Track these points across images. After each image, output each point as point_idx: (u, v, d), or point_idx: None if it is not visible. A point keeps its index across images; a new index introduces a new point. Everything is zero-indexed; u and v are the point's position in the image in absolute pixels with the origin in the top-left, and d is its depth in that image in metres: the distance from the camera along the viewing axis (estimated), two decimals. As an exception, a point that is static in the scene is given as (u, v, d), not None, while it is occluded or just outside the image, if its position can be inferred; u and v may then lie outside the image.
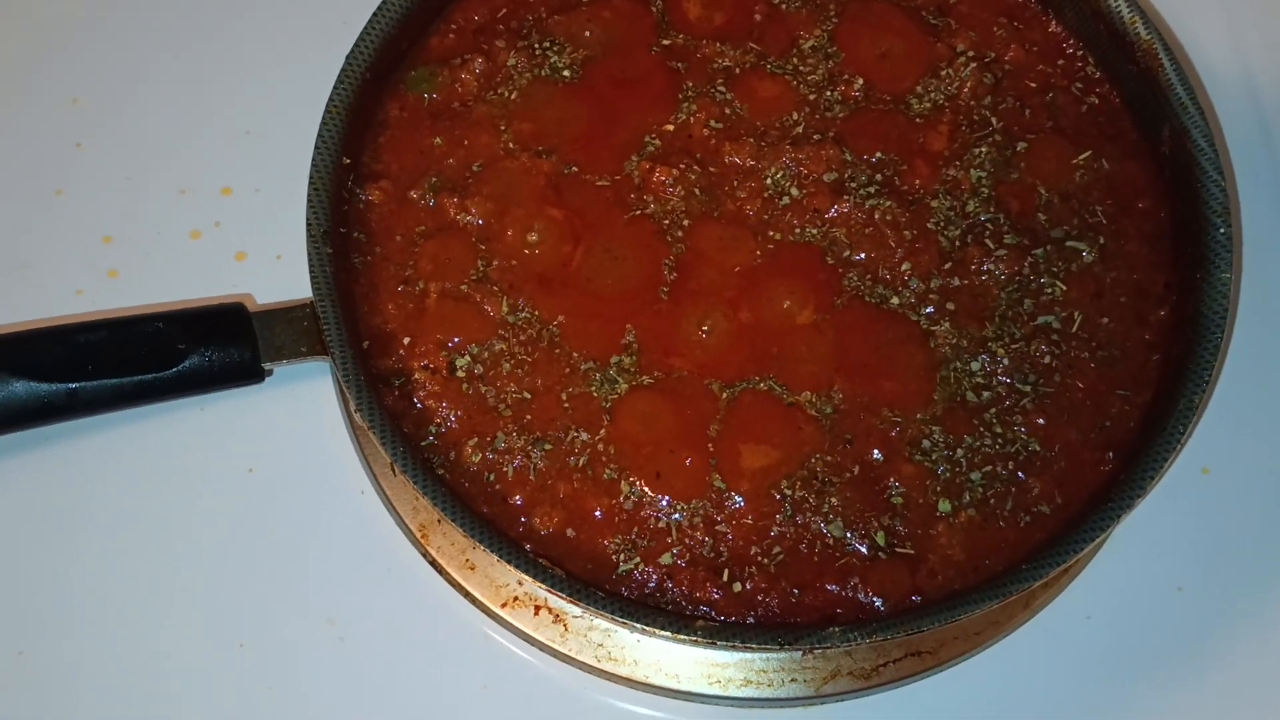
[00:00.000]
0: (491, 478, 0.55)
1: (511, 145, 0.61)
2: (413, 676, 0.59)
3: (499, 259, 0.59)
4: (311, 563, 0.61)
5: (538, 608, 0.59)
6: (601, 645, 0.58)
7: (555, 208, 0.60)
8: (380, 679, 0.59)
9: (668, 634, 0.50)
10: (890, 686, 0.58)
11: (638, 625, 0.51)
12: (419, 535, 0.60)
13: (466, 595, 0.60)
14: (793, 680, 0.58)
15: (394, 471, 0.55)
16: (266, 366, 0.54)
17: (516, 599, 0.60)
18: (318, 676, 0.59)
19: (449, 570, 0.60)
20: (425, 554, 0.60)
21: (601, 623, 0.58)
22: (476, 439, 0.56)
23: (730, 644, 0.52)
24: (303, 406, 0.64)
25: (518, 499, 0.55)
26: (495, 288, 0.59)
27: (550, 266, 0.59)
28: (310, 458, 0.63)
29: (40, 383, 0.49)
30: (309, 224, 0.57)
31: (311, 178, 0.58)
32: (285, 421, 0.63)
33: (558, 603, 0.59)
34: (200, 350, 0.52)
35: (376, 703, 0.59)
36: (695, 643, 0.51)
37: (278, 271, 0.66)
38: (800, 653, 0.57)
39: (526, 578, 0.53)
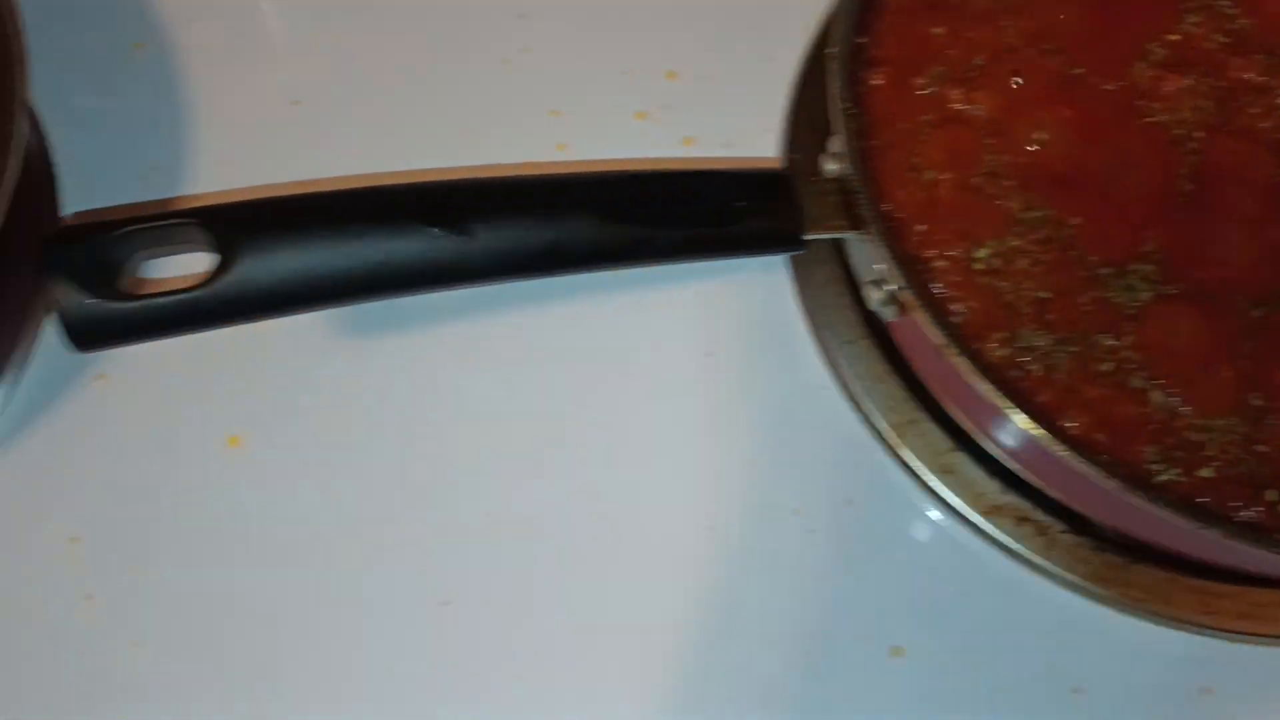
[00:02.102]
0: (1016, 375, 0.53)
1: (1015, 42, 0.59)
2: (880, 573, 0.57)
3: (1008, 155, 0.57)
4: (774, 453, 0.59)
5: (1020, 518, 0.57)
6: (1088, 563, 0.56)
7: (1065, 107, 0.58)
8: (849, 574, 0.57)
9: (1249, 543, 0.47)
10: None
11: (1219, 531, 0.48)
12: (891, 435, 0.59)
13: (938, 500, 0.58)
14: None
15: (946, 354, 0.53)
16: (808, 236, 0.52)
17: (998, 508, 0.57)
18: (786, 566, 0.58)
19: (922, 473, 0.58)
20: (894, 454, 0.59)
21: (1089, 539, 0.56)
22: (1001, 334, 0.54)
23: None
24: (760, 296, 0.62)
25: (1044, 399, 0.53)
26: (1007, 183, 0.57)
27: (1062, 166, 0.57)
28: (769, 348, 0.61)
29: (616, 224, 0.48)
30: (838, 97, 0.55)
31: (838, 53, 0.56)
32: (743, 309, 0.62)
33: (1042, 515, 0.57)
34: (756, 212, 0.50)
35: (846, 596, 0.57)
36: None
37: (726, 159, 0.65)
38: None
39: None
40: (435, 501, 0.57)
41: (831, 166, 0.56)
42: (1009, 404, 0.50)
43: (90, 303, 0.43)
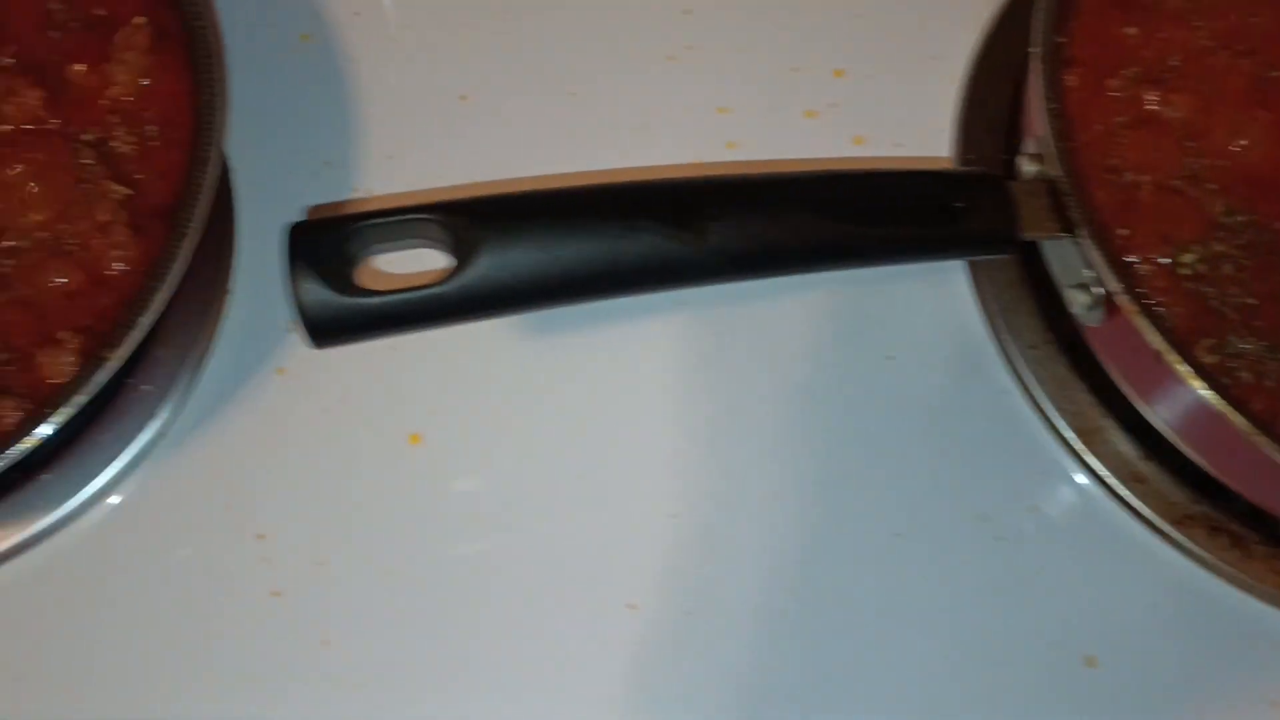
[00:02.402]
0: (1226, 382, 0.52)
1: (1208, 43, 0.58)
2: (1069, 581, 0.56)
3: (1209, 157, 0.56)
4: (957, 458, 0.58)
5: (1213, 528, 0.56)
6: (1288, 574, 0.55)
7: (1262, 109, 0.57)
8: (1038, 582, 0.56)
9: None
10: None
11: None
12: (1077, 442, 0.58)
13: (1128, 508, 0.57)
14: None
15: (1164, 360, 0.52)
16: (1023, 238, 0.51)
17: (1190, 517, 0.56)
18: (974, 573, 0.57)
19: (1110, 481, 0.57)
20: (1081, 462, 0.58)
21: (1289, 551, 0.55)
22: (1209, 340, 0.53)
23: None
24: (940, 299, 0.61)
25: (1258, 405, 0.52)
26: (1209, 186, 0.56)
27: (1263, 170, 0.56)
28: (949, 352, 0.60)
29: (839, 223, 0.47)
30: (1044, 97, 0.54)
31: (1040, 52, 0.55)
32: (923, 313, 0.61)
33: (1238, 526, 0.56)
34: (972, 213, 0.49)
35: (1036, 604, 0.56)
36: None
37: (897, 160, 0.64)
38: None
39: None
40: (616, 501, 0.57)
41: (1030, 168, 0.55)
42: (1232, 410, 0.49)
43: (332, 297, 0.43)
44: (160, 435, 0.56)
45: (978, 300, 0.60)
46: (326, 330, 0.44)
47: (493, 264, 0.43)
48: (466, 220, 0.44)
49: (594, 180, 0.49)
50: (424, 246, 0.46)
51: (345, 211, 0.45)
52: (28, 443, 0.46)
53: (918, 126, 0.64)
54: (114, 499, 0.56)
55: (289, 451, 0.57)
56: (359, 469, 0.57)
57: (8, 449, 0.46)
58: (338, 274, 0.43)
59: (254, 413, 0.57)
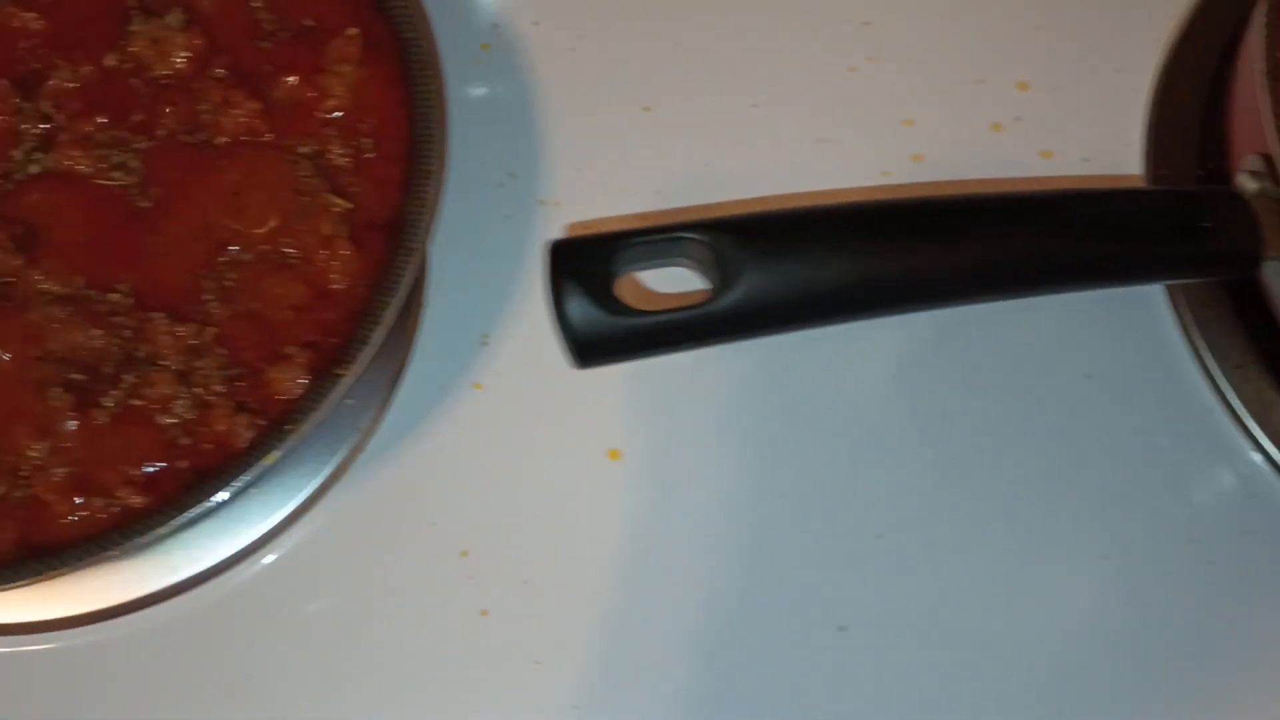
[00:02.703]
0: None
1: None
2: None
3: None
4: (1161, 478, 0.57)
5: None
6: None
7: None
8: (1248, 605, 0.55)
9: None
10: None
11: None
12: (1291, 466, 0.57)
13: (1341, 535, 0.56)
14: None
15: None
16: (1269, 258, 0.50)
17: None
18: (1182, 597, 0.55)
19: (1323, 505, 0.56)
20: (1292, 485, 0.57)
21: None
22: None
23: None
24: (1139, 317, 0.60)
25: None
26: None
27: None
28: (1150, 371, 0.59)
29: (1085, 242, 0.46)
30: (1272, 113, 0.53)
31: (1264, 68, 0.54)
32: (1123, 331, 0.60)
33: None
34: (1216, 233, 0.48)
35: (1247, 628, 0.55)
36: None
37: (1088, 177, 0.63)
38: None
39: None
40: (825, 520, 0.56)
41: (1252, 185, 0.54)
42: None
43: (599, 316, 0.42)
44: (359, 449, 0.56)
45: (1176, 318, 0.59)
46: (593, 349, 0.43)
47: (757, 283, 0.42)
48: (733, 239, 0.43)
49: (821, 199, 0.48)
50: (682, 265, 0.45)
51: (602, 231, 0.44)
52: (269, 460, 0.46)
53: (1105, 140, 0.63)
54: (317, 512, 0.55)
55: (488, 467, 0.56)
56: (559, 485, 0.56)
57: (249, 468, 0.45)
58: (602, 292, 0.42)
59: (452, 427, 0.57)
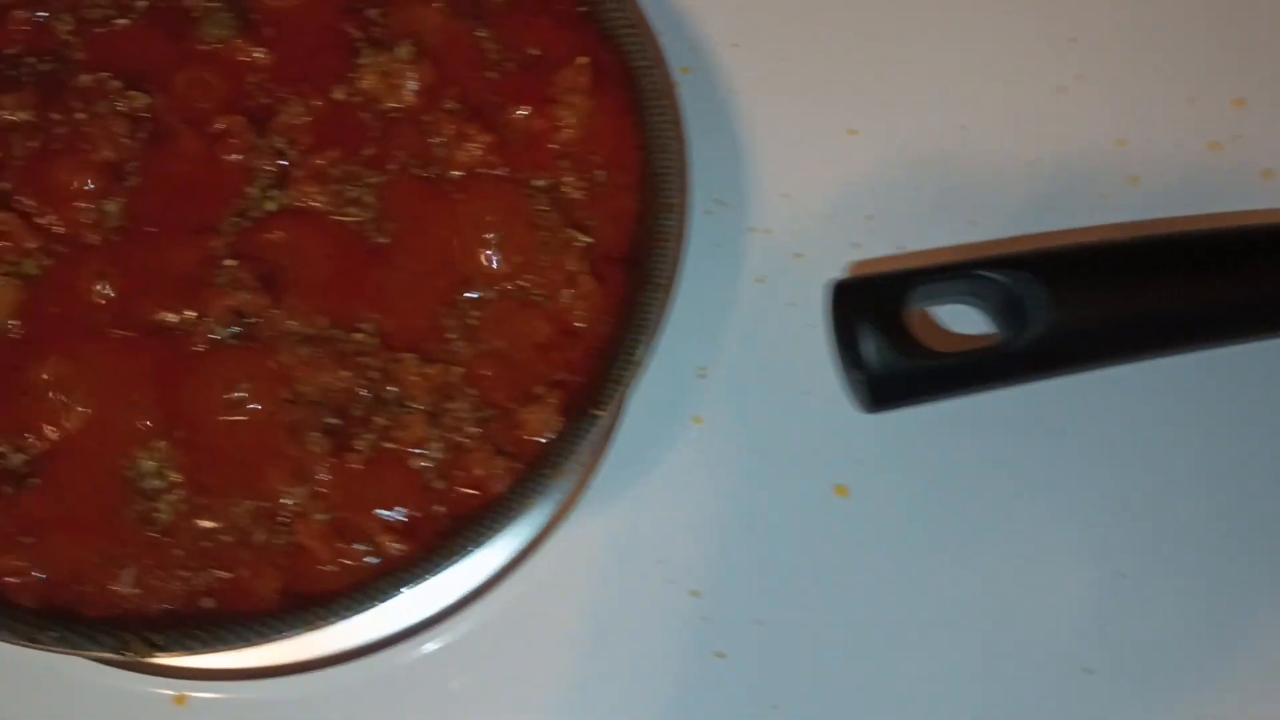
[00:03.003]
0: None
1: None
2: None
3: None
4: None
5: None
6: None
7: None
8: None
9: None
10: None
11: None
12: None
13: None
14: None
15: None
16: None
17: None
18: None
19: None
20: None
21: None
22: None
23: None
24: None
25: None
26: None
27: None
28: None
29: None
30: None
31: None
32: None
33: None
34: None
35: None
36: None
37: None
38: None
39: None
40: (1055, 559, 0.54)
41: None
42: None
43: (894, 357, 0.40)
44: (582, 484, 0.55)
45: None
46: (888, 391, 0.42)
47: (1060, 321, 0.41)
48: (1032, 276, 0.41)
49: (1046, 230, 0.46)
50: (968, 303, 0.43)
51: (888, 270, 0.42)
52: (530, 504, 0.45)
53: (1323, 161, 0.62)
54: (541, 549, 0.54)
55: (712, 503, 0.55)
56: (786, 522, 0.55)
57: (511, 514, 0.44)
58: (895, 332, 0.41)
59: (674, 462, 0.55)
